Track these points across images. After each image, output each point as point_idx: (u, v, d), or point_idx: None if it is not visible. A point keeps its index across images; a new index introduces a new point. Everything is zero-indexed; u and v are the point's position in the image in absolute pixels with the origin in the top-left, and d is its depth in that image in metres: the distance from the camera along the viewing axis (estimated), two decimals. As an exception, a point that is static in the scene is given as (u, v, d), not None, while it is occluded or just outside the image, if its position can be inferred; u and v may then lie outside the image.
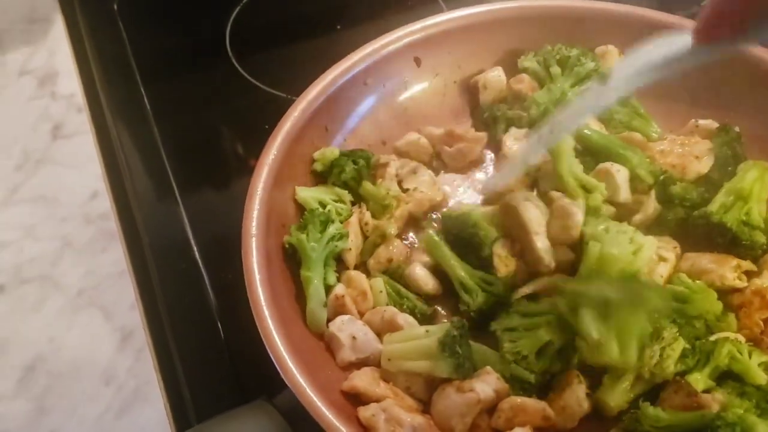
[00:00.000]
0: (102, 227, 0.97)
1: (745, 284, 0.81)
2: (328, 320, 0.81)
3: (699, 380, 0.74)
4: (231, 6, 1.28)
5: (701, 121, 0.96)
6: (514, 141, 0.95)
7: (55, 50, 1.21)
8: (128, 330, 0.87)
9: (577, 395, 0.74)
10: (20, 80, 1.16)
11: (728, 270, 0.81)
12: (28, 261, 0.94)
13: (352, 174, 0.90)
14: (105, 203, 0.99)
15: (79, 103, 1.13)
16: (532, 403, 0.73)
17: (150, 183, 1.03)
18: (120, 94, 1.15)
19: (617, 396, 0.74)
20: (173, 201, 1.00)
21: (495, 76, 1.01)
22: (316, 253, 0.82)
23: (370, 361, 0.77)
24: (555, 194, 0.85)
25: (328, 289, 0.82)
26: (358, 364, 0.77)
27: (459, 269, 0.82)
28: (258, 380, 0.79)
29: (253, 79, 1.16)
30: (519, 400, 0.74)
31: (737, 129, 0.92)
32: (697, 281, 0.80)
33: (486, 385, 0.73)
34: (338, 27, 1.23)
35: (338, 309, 0.81)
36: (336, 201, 0.89)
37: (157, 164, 1.04)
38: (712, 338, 0.77)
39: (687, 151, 0.91)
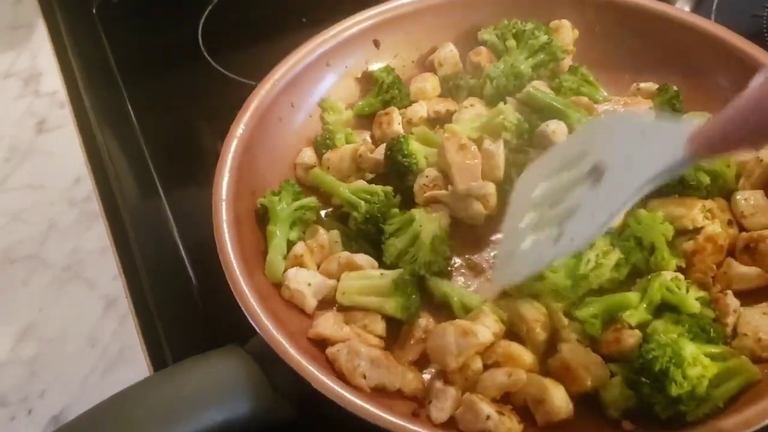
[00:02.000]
0: (85, 209, 1.06)
1: (712, 223, 0.89)
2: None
3: (634, 315, 0.82)
4: (202, 6, 1.37)
5: (642, 84, 1.05)
6: None
7: (38, 53, 1.31)
8: (112, 298, 0.96)
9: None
10: (6, 81, 1.27)
11: (697, 212, 0.88)
12: (17, 242, 1.03)
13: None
14: (88, 187, 1.09)
15: (61, 99, 1.23)
16: (523, 353, 0.80)
17: (130, 167, 1.13)
18: (100, 91, 1.25)
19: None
20: (151, 181, 1.09)
21: (448, 52, 1.11)
22: (284, 213, 0.91)
23: (331, 299, 0.87)
24: (482, 137, 0.94)
25: (290, 245, 0.91)
26: (322, 306, 0.87)
27: (344, 191, 0.93)
28: (232, 338, 0.87)
29: (227, 72, 1.25)
30: (513, 347, 0.80)
31: (675, 88, 1.01)
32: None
33: (486, 328, 0.79)
34: (304, 20, 1.33)
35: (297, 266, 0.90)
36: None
37: (136, 149, 1.14)
38: (649, 276, 0.85)
39: (630, 110, 1.00)
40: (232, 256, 0.84)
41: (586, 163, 0.71)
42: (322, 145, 1.03)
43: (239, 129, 0.96)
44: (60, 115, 1.20)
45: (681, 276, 0.85)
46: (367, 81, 1.11)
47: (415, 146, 0.96)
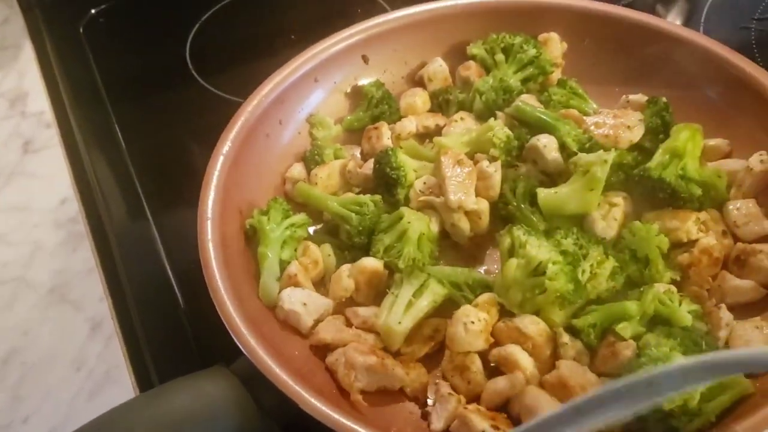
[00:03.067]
0: (72, 230, 1.07)
1: (706, 235, 0.89)
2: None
3: (627, 328, 0.82)
4: (189, 26, 1.40)
5: (632, 96, 1.05)
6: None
7: (25, 73, 1.34)
8: (97, 320, 0.96)
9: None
10: (-8, 103, 1.28)
11: (691, 225, 0.89)
12: (2, 265, 1.04)
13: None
14: (74, 208, 1.10)
15: (47, 120, 1.25)
16: (522, 359, 0.82)
17: (117, 188, 1.14)
18: (87, 111, 1.26)
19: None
20: (139, 203, 1.10)
21: (437, 67, 1.12)
22: (274, 234, 0.92)
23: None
24: (479, 156, 0.95)
25: (283, 265, 0.91)
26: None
27: (333, 204, 0.95)
28: (219, 359, 0.87)
29: (216, 90, 1.27)
30: (514, 352, 0.82)
31: (665, 100, 1.01)
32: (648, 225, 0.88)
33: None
34: (292, 37, 1.34)
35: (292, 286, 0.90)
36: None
37: (123, 170, 1.15)
38: (642, 288, 0.85)
39: (619, 122, 1.00)
40: (217, 275, 0.84)
41: None
42: (311, 160, 1.04)
43: (225, 146, 0.97)
44: (46, 136, 1.22)
45: (674, 288, 0.85)
46: (357, 96, 1.13)
47: (403, 159, 0.97)
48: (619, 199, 0.92)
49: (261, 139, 1.03)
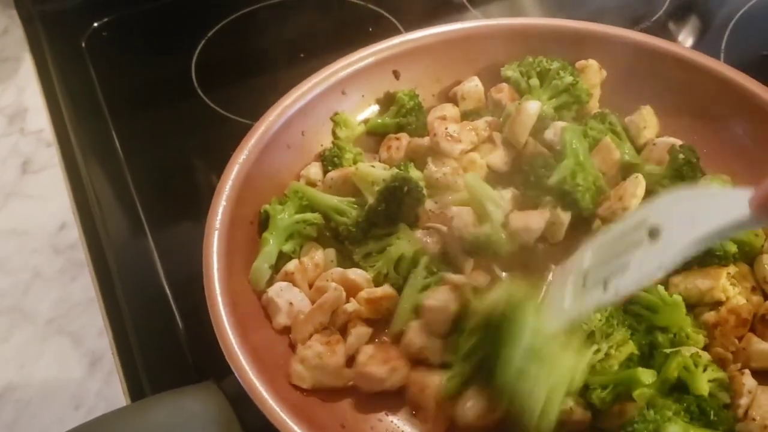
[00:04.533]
0: (71, 257, 1.05)
1: (740, 291, 0.87)
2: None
3: (645, 394, 0.78)
4: (195, 41, 1.39)
5: (658, 140, 1.03)
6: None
7: (24, 88, 1.32)
8: (97, 355, 0.94)
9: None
10: (-10, 118, 1.26)
11: (725, 282, 0.86)
12: (-2, 293, 1.01)
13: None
14: (74, 234, 1.08)
15: (48, 138, 1.23)
16: None
17: (118, 213, 1.12)
18: (88, 129, 1.24)
19: None
20: (141, 230, 1.08)
21: (472, 86, 1.11)
22: (283, 223, 0.94)
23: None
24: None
25: (284, 258, 0.94)
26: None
27: (331, 200, 0.97)
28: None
29: (221, 110, 1.25)
30: None
31: (689, 150, 0.97)
32: (675, 295, 0.85)
33: None
34: (301, 55, 1.33)
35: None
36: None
37: (125, 193, 1.13)
38: (668, 351, 0.82)
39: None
40: (218, 290, 0.84)
41: (643, 229, 0.72)
42: (329, 161, 1.04)
43: (242, 155, 0.97)
44: (46, 155, 1.20)
45: (703, 353, 0.82)
46: (388, 103, 1.12)
47: (418, 174, 0.97)
48: None
49: (281, 149, 1.03)
